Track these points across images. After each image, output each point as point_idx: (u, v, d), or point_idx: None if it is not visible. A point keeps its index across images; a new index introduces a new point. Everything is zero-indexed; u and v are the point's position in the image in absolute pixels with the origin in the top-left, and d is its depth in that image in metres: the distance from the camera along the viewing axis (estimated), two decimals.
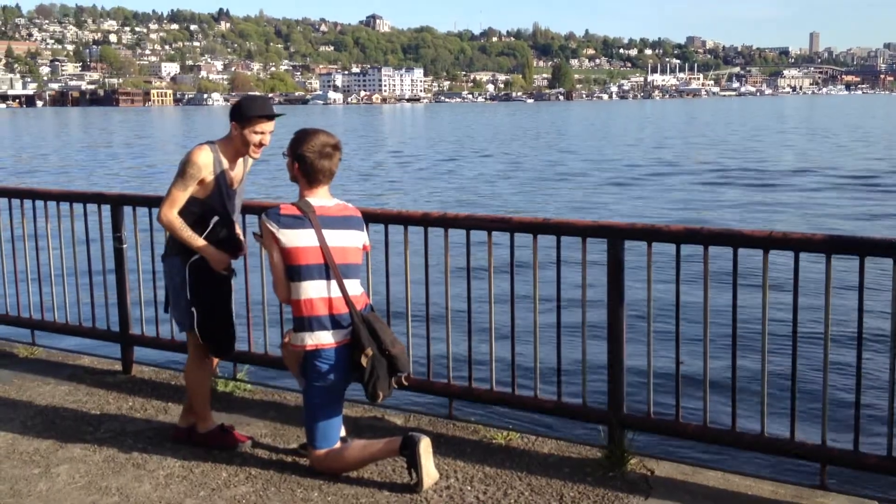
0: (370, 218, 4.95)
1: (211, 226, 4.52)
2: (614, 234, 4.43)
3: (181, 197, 4.44)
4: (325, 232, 4.11)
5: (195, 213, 4.47)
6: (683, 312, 4.34)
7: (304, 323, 4.10)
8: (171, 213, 4.44)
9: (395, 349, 4.09)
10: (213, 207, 4.51)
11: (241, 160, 4.64)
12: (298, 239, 4.07)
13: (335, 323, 4.10)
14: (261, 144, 4.51)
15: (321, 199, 4.20)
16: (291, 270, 4.09)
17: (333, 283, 4.10)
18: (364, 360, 4.02)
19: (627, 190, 26.08)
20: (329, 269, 4.09)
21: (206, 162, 4.43)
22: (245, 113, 4.45)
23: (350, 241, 4.20)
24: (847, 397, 4.43)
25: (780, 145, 46.67)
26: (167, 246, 4.65)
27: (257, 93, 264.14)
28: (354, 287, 4.19)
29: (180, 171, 4.44)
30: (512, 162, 38.06)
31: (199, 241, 4.47)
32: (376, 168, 36.06)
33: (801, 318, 4.08)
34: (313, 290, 4.08)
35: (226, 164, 4.53)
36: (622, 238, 4.41)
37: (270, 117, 4.48)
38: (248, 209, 5.20)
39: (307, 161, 4.14)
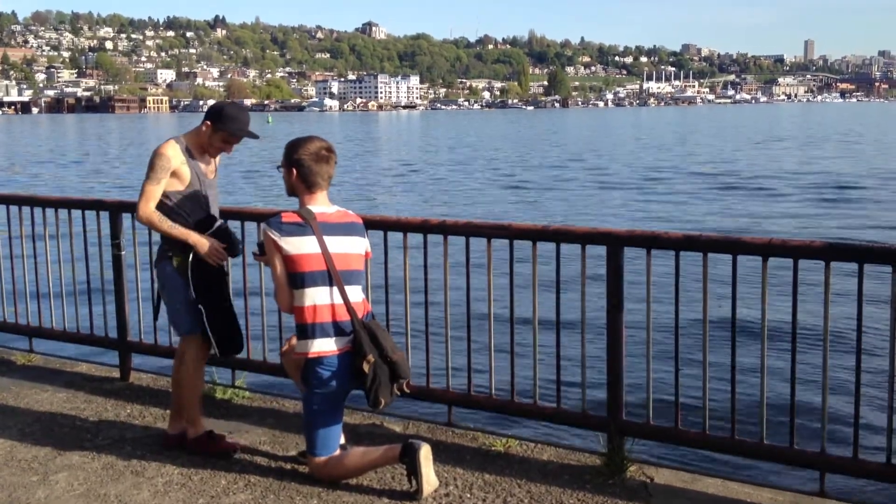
0: (369, 224, 4.94)
1: (215, 227, 4.59)
2: (613, 241, 4.43)
3: (155, 191, 4.48)
4: (327, 238, 4.11)
5: (192, 210, 4.53)
6: (682, 319, 4.35)
7: (307, 330, 4.10)
8: (148, 208, 4.49)
9: (396, 355, 4.09)
10: (198, 201, 4.57)
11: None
12: (300, 246, 4.07)
13: (337, 330, 4.10)
14: (221, 151, 4.64)
15: (322, 206, 4.20)
16: (294, 277, 4.09)
17: (335, 289, 4.10)
18: (366, 367, 4.02)
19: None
20: (331, 275, 4.09)
21: (173, 153, 4.50)
22: (226, 125, 4.53)
23: (352, 248, 4.20)
24: (846, 405, 4.44)
25: None
26: (159, 251, 4.67)
27: (253, 101, 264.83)
28: (356, 294, 4.19)
29: (150, 165, 4.50)
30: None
31: (179, 230, 4.51)
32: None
33: (801, 324, 4.09)
34: (316, 297, 4.08)
35: (196, 155, 4.60)
36: (621, 245, 4.41)
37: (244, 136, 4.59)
38: (247, 217, 5.19)
39: (304, 165, 4.14)
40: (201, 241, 4.53)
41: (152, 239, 5.63)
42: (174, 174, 4.49)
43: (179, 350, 4.73)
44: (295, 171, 4.16)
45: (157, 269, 4.69)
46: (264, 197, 27.05)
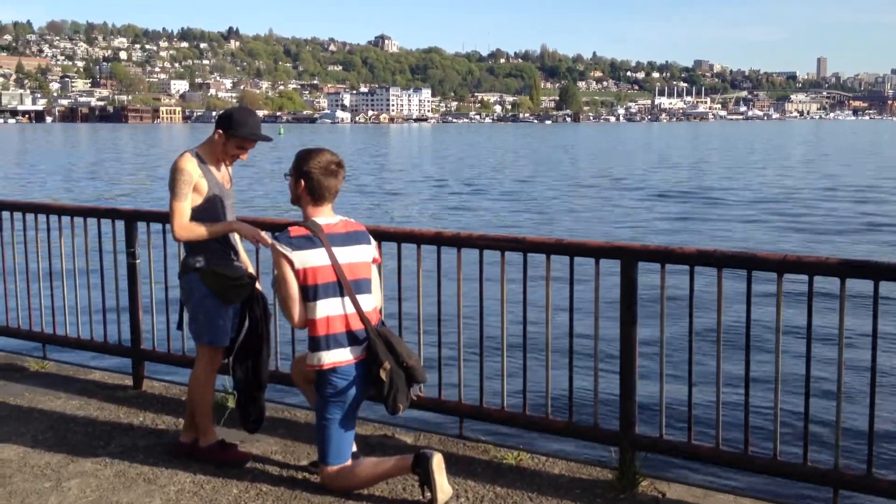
0: (383, 236, 4.97)
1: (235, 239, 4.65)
2: (627, 255, 4.44)
3: (184, 207, 4.49)
4: (335, 249, 4.12)
5: (211, 221, 4.55)
6: (696, 334, 4.34)
7: (321, 342, 4.10)
8: (183, 224, 4.50)
9: (411, 361, 4.11)
10: (217, 211, 4.59)
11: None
12: (311, 259, 4.08)
13: (352, 339, 4.12)
14: (237, 158, 4.66)
15: (326, 217, 4.22)
16: (306, 291, 4.10)
17: (347, 299, 4.11)
18: (383, 374, 4.03)
19: None
20: (342, 286, 4.11)
21: (192, 167, 4.51)
22: (238, 131, 4.54)
23: (359, 257, 4.22)
24: (861, 421, 4.41)
25: None
26: (184, 263, 4.69)
27: (265, 112, 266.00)
28: (367, 302, 4.20)
29: (171, 182, 4.51)
30: None
31: (219, 226, 4.55)
32: None
33: (815, 340, 4.07)
34: (329, 309, 4.09)
35: (211, 166, 4.62)
36: (635, 259, 4.41)
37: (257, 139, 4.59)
38: (263, 227, 5.19)
39: (313, 178, 4.15)
40: (242, 226, 4.60)
41: (167, 249, 5.67)
42: (194, 188, 4.50)
43: (197, 359, 4.75)
44: (303, 182, 4.17)
45: (181, 280, 4.71)
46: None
